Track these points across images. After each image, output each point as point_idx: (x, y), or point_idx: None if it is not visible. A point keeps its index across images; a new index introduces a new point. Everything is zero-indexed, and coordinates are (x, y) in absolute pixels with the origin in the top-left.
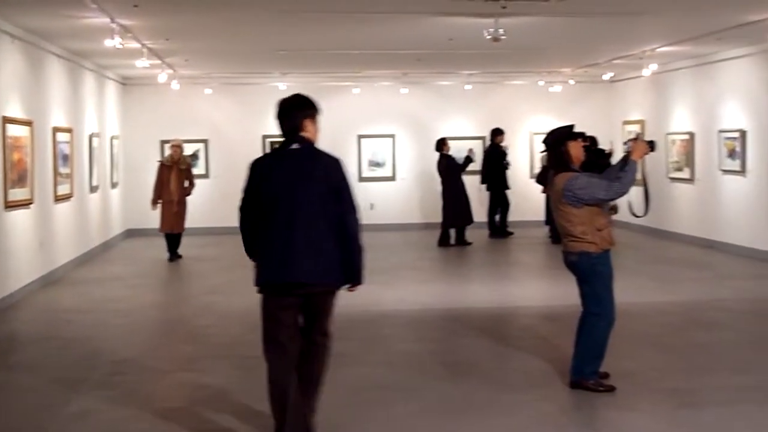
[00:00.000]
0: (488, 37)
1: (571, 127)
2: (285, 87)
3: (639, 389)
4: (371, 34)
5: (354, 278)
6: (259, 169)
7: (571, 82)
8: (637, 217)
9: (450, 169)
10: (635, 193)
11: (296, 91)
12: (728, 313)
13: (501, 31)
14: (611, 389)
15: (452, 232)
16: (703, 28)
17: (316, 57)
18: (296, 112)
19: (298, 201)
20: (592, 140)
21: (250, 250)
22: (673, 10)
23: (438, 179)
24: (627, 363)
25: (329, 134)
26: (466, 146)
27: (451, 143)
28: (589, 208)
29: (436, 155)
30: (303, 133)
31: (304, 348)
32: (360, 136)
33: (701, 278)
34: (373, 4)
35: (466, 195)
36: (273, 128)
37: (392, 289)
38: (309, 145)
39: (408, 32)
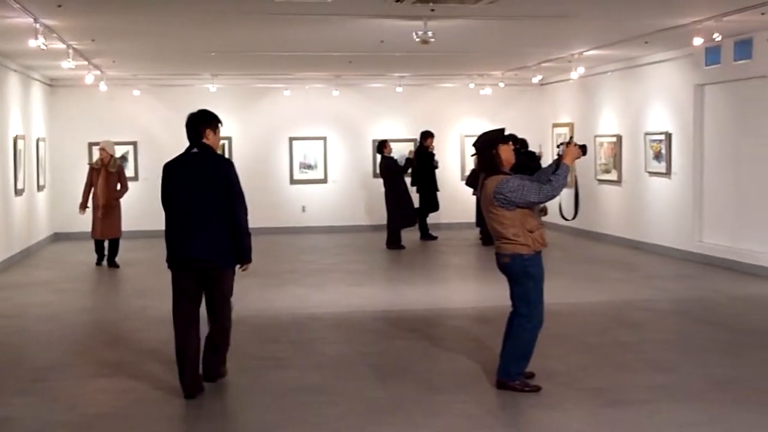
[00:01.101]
0: (417, 39)
1: (502, 130)
2: (215, 89)
3: (564, 389)
4: (302, 36)
5: (243, 258)
6: (168, 170)
7: (502, 84)
8: (566, 220)
9: (391, 170)
10: (566, 197)
11: (226, 93)
12: (652, 312)
13: (430, 33)
14: (537, 389)
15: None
16: (630, 32)
17: (246, 58)
18: (199, 123)
19: (196, 196)
20: (523, 142)
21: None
22: (600, 13)
23: (374, 181)
24: (552, 363)
25: (260, 136)
26: (398, 148)
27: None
28: (521, 210)
29: (369, 158)
30: (204, 140)
31: (209, 327)
32: (291, 139)
33: (627, 278)
34: (304, 6)
35: (408, 196)
36: None
37: (322, 292)
38: (207, 150)
39: (339, 34)
